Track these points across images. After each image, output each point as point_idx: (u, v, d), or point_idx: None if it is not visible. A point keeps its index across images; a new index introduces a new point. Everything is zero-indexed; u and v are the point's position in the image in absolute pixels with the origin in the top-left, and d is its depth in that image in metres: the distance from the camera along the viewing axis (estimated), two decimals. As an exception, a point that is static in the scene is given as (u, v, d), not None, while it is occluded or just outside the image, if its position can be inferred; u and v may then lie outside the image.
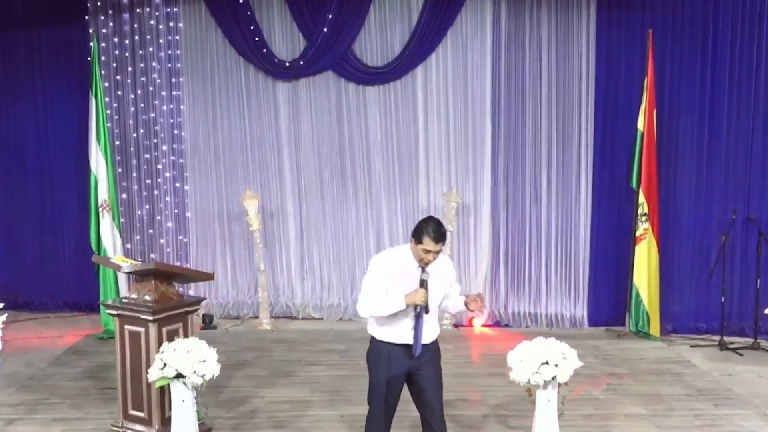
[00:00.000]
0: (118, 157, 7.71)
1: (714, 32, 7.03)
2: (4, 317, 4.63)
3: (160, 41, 7.70)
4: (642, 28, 7.06)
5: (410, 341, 3.68)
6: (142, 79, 7.76)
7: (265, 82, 7.76)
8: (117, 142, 7.73)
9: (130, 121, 7.81)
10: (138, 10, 7.68)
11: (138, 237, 7.94)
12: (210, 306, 7.76)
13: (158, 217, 7.91)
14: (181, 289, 5.92)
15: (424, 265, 3.62)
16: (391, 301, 3.59)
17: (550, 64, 7.36)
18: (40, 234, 8.11)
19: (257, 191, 7.65)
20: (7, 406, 5.24)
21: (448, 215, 7.26)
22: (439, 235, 3.55)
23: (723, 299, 6.88)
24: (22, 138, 8.06)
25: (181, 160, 7.87)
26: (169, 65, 7.74)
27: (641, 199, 6.94)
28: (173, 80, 7.77)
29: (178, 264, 7.70)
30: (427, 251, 3.56)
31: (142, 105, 7.79)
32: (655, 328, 7.03)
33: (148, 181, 7.88)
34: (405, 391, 3.85)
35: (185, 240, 7.97)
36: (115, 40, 7.73)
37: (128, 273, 5.20)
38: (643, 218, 6.93)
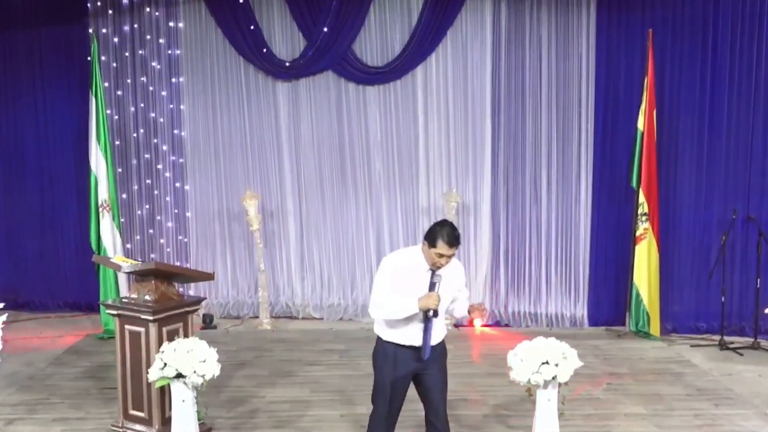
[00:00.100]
0: (118, 157, 7.71)
1: (714, 32, 7.03)
2: (4, 317, 4.63)
3: (160, 41, 7.70)
4: (642, 28, 7.06)
5: (416, 343, 3.67)
6: (142, 79, 7.76)
7: (265, 81, 7.76)
8: (117, 142, 7.73)
9: (130, 121, 7.81)
10: (138, 10, 7.68)
11: (138, 237, 7.94)
12: (210, 306, 7.76)
13: (158, 217, 7.92)
14: (181, 289, 5.91)
15: (436, 268, 3.61)
16: (405, 305, 3.57)
17: (550, 64, 7.36)
18: (40, 234, 8.11)
19: (257, 191, 7.65)
20: (7, 406, 5.24)
21: (448, 215, 7.25)
22: (454, 239, 3.54)
23: (723, 299, 6.88)
24: (22, 138, 8.06)
25: (181, 160, 7.87)
26: (169, 65, 7.74)
27: (641, 198, 6.94)
28: (173, 80, 7.76)
29: (178, 264, 7.69)
30: (441, 255, 3.55)
31: (142, 105, 7.79)
32: (655, 327, 7.03)
33: (148, 181, 7.88)
34: (410, 391, 3.84)
35: (185, 240, 7.97)
36: (115, 40, 7.73)
37: (128, 273, 5.20)
38: (643, 218, 6.93)
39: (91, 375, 5.95)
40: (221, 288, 7.98)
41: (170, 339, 4.46)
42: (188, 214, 7.94)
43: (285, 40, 7.66)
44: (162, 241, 7.92)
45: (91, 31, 7.51)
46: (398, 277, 3.62)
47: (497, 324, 7.62)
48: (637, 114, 6.95)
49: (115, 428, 4.76)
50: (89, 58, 7.16)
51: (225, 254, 7.99)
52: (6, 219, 8.17)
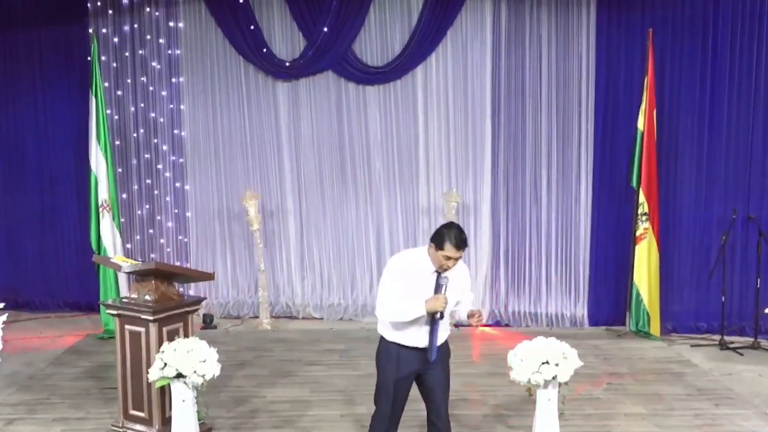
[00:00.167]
0: (118, 157, 7.71)
1: (714, 32, 7.03)
2: (4, 317, 4.62)
3: (160, 41, 7.70)
4: (642, 28, 7.06)
5: (419, 344, 3.67)
6: (142, 79, 7.75)
7: (265, 81, 7.76)
8: (117, 142, 7.73)
9: (130, 121, 7.81)
10: (138, 10, 7.68)
11: (138, 237, 7.94)
12: (210, 306, 7.76)
13: (158, 217, 7.92)
14: (181, 289, 5.91)
15: (442, 271, 3.61)
16: (412, 307, 3.57)
17: (550, 64, 7.37)
18: (40, 234, 8.11)
19: (257, 192, 7.64)
20: (8, 406, 5.24)
21: (448, 215, 7.26)
22: (461, 242, 3.54)
23: (723, 299, 6.88)
24: (22, 138, 8.06)
25: (181, 160, 7.87)
26: (169, 65, 7.74)
27: (641, 198, 6.94)
28: (173, 80, 7.76)
29: (177, 264, 7.69)
30: (448, 258, 3.55)
31: (142, 105, 7.79)
32: (655, 327, 7.03)
33: (148, 181, 7.88)
34: (413, 391, 3.84)
35: (185, 240, 7.97)
36: (115, 40, 7.73)
37: (128, 273, 5.20)
38: (644, 218, 6.93)
39: (92, 375, 5.95)
40: (221, 288, 7.98)
41: (170, 339, 4.46)
42: (188, 214, 7.94)
43: (285, 40, 7.66)
44: (162, 241, 7.92)
45: (91, 31, 7.51)
46: (404, 278, 3.61)
47: (497, 324, 7.62)
48: (637, 114, 6.95)
49: (115, 428, 4.76)
50: (89, 58, 7.16)
51: (225, 254, 7.99)
52: (6, 219, 8.17)
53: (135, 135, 7.83)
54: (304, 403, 5.31)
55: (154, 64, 7.72)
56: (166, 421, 4.52)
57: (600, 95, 7.30)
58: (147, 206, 7.90)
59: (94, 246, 6.98)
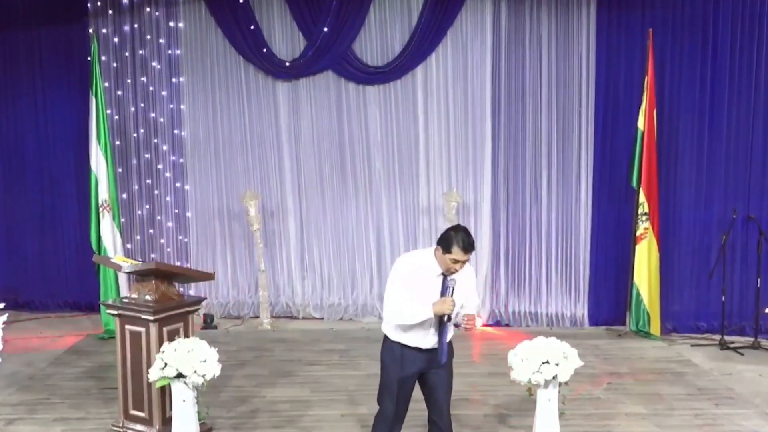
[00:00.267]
0: (118, 157, 7.71)
1: (714, 32, 7.03)
2: (4, 317, 4.62)
3: (160, 41, 7.70)
4: (642, 28, 7.06)
5: (423, 345, 3.68)
6: (142, 79, 7.75)
7: (265, 81, 7.76)
8: (117, 142, 7.73)
9: (130, 121, 7.81)
10: (138, 10, 7.68)
11: (138, 237, 7.94)
12: (210, 306, 7.76)
13: (158, 217, 7.92)
14: (181, 289, 5.91)
15: (450, 273, 3.60)
16: (419, 310, 3.57)
17: (550, 64, 7.37)
18: (40, 234, 8.11)
19: (257, 192, 7.64)
20: (8, 406, 5.24)
21: (448, 215, 7.26)
22: (469, 245, 3.53)
23: (723, 298, 6.88)
24: (22, 138, 8.06)
25: (181, 160, 7.87)
26: (169, 65, 7.74)
27: (641, 198, 6.94)
28: (173, 80, 7.76)
29: (178, 264, 7.69)
30: (456, 261, 3.54)
31: (142, 105, 7.79)
32: (655, 327, 7.03)
33: (148, 181, 7.88)
34: (415, 391, 3.85)
35: (185, 240, 7.97)
36: (115, 40, 7.73)
37: (129, 273, 5.20)
38: (644, 217, 6.93)
39: (92, 375, 5.95)
40: (221, 288, 7.98)
41: (171, 339, 4.46)
42: (188, 214, 7.94)
43: (285, 40, 7.66)
44: (162, 240, 7.92)
45: (91, 31, 7.51)
46: (410, 280, 3.61)
47: (498, 323, 7.62)
48: (637, 114, 6.95)
49: (115, 428, 4.76)
50: (89, 58, 7.16)
51: (225, 254, 7.99)
52: (6, 219, 8.16)
53: (135, 135, 7.83)
54: (304, 403, 5.31)
55: (154, 64, 7.72)
56: (167, 421, 4.52)
57: (600, 95, 7.31)
58: (147, 206, 7.90)
59: (94, 246, 6.97)
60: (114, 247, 6.99)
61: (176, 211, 7.93)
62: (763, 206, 7.04)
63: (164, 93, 7.77)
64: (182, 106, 7.80)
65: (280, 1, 7.57)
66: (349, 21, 7.45)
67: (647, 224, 6.93)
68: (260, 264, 7.55)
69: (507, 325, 7.61)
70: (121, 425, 4.73)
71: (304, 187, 7.84)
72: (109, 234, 6.98)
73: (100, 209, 6.98)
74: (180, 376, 4.11)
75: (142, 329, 4.56)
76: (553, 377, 3.89)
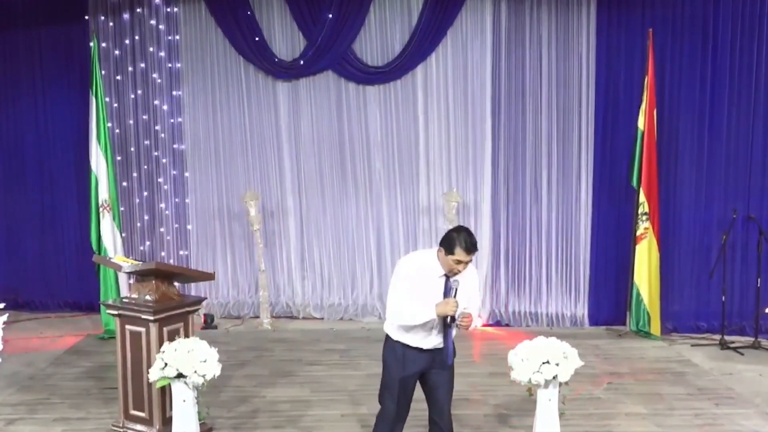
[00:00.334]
0: (119, 157, 7.71)
1: (714, 32, 7.03)
2: (4, 317, 4.62)
3: (161, 41, 7.70)
4: (642, 28, 7.06)
5: (424, 345, 3.69)
6: (142, 79, 7.75)
7: (265, 81, 7.76)
8: (117, 142, 7.72)
9: (130, 121, 7.81)
10: (138, 10, 7.67)
11: (138, 236, 7.93)
12: (210, 306, 7.76)
13: (160, 205, 7.89)
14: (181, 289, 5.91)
15: (453, 275, 3.60)
16: (422, 311, 3.57)
17: (550, 64, 7.37)
18: (41, 234, 8.11)
19: (258, 192, 7.64)
20: (8, 406, 5.24)
21: (448, 215, 7.26)
22: (471, 246, 3.54)
23: (723, 298, 6.88)
24: (22, 138, 8.06)
25: (181, 160, 7.87)
26: (169, 65, 7.74)
27: (642, 198, 6.94)
28: (173, 80, 7.76)
29: (177, 262, 7.69)
30: (459, 262, 3.54)
31: (142, 105, 7.79)
32: (655, 327, 7.03)
33: (148, 181, 7.87)
34: (417, 391, 3.85)
35: (185, 240, 7.96)
36: (116, 40, 7.72)
37: (129, 273, 5.20)
38: (644, 217, 6.93)
39: (92, 375, 5.95)
40: (222, 288, 7.98)
41: (171, 339, 4.46)
42: (189, 214, 7.93)
43: (285, 40, 7.66)
44: (162, 229, 7.89)
45: (91, 30, 7.50)
46: (413, 281, 3.61)
47: (498, 323, 7.62)
48: (637, 114, 6.95)
49: (115, 428, 4.76)
50: (91, 53, 7.11)
51: (225, 254, 7.99)
52: (6, 219, 8.16)
53: (135, 135, 7.81)
54: (304, 403, 5.31)
55: (154, 64, 7.71)
56: (167, 421, 4.52)
57: (600, 95, 7.30)
58: (147, 206, 7.89)
59: (94, 246, 6.97)
60: (114, 247, 6.99)
61: (176, 200, 7.89)
62: (763, 206, 7.04)
63: (164, 93, 7.75)
64: (182, 106, 7.79)
65: (280, 1, 7.57)
66: (349, 21, 7.44)
67: (647, 224, 6.93)
68: (260, 264, 7.55)
69: (507, 325, 7.61)
70: (121, 425, 4.73)
71: (304, 187, 7.84)
72: (109, 234, 6.97)
73: (100, 209, 6.97)
74: (180, 376, 4.10)
75: (143, 329, 4.55)
76: (554, 377, 3.88)
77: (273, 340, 7.04)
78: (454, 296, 3.56)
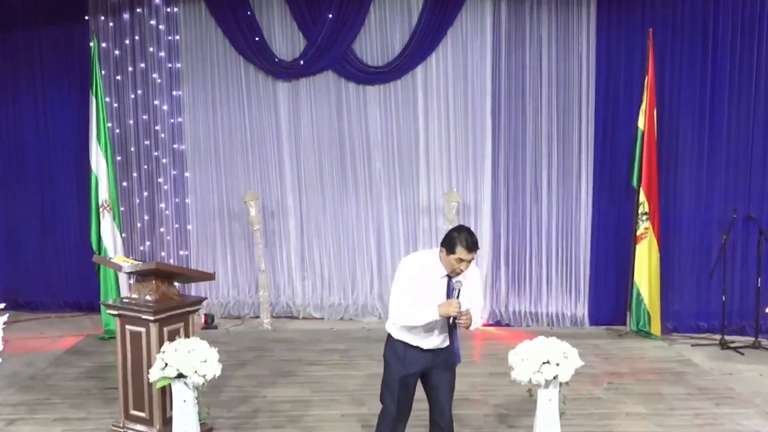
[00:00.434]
0: (119, 157, 7.71)
1: (714, 32, 7.03)
2: (5, 317, 4.62)
3: (161, 41, 7.70)
4: (642, 28, 7.06)
5: (425, 345, 3.70)
6: (142, 79, 7.75)
7: (265, 81, 7.76)
8: (117, 142, 7.73)
9: (130, 121, 7.81)
10: (138, 10, 7.67)
11: (138, 237, 7.93)
12: (211, 306, 7.76)
13: (160, 205, 7.89)
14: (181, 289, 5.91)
15: (455, 275, 3.60)
16: (424, 312, 3.57)
17: (550, 64, 7.37)
18: (41, 234, 8.11)
19: (258, 192, 7.64)
20: (8, 406, 5.24)
21: (448, 215, 7.27)
22: (472, 244, 3.54)
23: (724, 298, 6.88)
24: (22, 138, 8.06)
25: (181, 160, 7.87)
26: (169, 65, 7.74)
27: (642, 198, 6.94)
28: (173, 80, 7.76)
29: (177, 262, 7.69)
30: (461, 260, 3.54)
31: (143, 105, 7.79)
32: (655, 327, 7.03)
33: (148, 181, 7.87)
34: (419, 391, 3.85)
35: (185, 240, 7.96)
36: (116, 40, 7.72)
37: (129, 273, 5.20)
38: (644, 217, 6.93)
39: (92, 375, 5.95)
40: (222, 288, 7.99)
41: (171, 339, 4.46)
42: (189, 214, 7.93)
43: (285, 39, 7.66)
44: (162, 229, 7.89)
45: (91, 30, 7.50)
46: (415, 282, 3.61)
47: (498, 323, 7.62)
48: (637, 114, 6.95)
49: (115, 428, 4.76)
50: (91, 53, 7.11)
51: (225, 254, 7.99)
52: (6, 219, 8.16)
53: (135, 135, 7.81)
54: (304, 403, 5.31)
55: (154, 64, 7.71)
56: (167, 422, 4.52)
57: (600, 95, 7.31)
58: (147, 206, 7.90)
59: (94, 246, 6.97)
60: (114, 247, 6.99)
61: (176, 200, 7.88)
62: (763, 206, 7.04)
63: (164, 93, 7.75)
64: (182, 106, 7.79)
65: (280, 1, 7.57)
66: (349, 21, 7.44)
67: (647, 224, 6.93)
68: (260, 264, 7.55)
69: (507, 325, 7.61)
70: (121, 425, 4.72)
71: (304, 187, 7.84)
72: (109, 234, 6.97)
73: (101, 209, 6.97)
74: (180, 376, 4.10)
75: (143, 329, 4.55)
76: (554, 377, 3.88)
77: (273, 340, 7.04)
78: (457, 297, 3.56)
